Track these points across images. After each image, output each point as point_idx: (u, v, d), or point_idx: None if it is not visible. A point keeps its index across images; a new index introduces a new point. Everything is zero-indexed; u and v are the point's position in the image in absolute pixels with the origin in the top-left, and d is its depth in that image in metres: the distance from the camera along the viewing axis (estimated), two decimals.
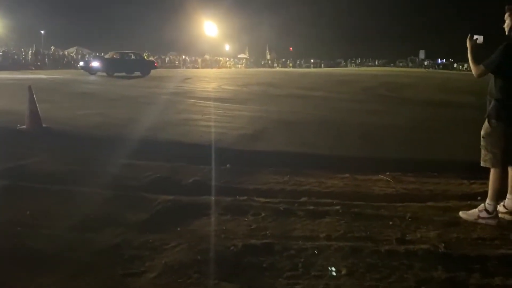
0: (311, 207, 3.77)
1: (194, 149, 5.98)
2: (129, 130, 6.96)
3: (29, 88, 6.77)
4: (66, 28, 50.76)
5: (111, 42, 45.79)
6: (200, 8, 49.10)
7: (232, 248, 2.95)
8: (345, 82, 23.84)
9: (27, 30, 45.32)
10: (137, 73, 24.16)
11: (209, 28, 51.41)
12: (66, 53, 39.48)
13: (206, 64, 49.96)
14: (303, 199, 4.00)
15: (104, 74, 23.19)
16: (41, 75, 22.65)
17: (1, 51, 32.58)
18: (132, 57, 25.48)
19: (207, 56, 52.60)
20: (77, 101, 11.23)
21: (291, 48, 67.37)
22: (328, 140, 7.03)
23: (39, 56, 34.02)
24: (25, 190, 4.07)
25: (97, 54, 32.78)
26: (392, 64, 70.85)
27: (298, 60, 66.84)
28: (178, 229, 3.29)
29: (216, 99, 12.55)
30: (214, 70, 42.77)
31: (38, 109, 6.73)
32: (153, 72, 25.69)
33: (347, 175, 4.88)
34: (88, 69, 24.11)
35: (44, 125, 6.74)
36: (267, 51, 69.44)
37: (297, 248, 2.96)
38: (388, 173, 4.98)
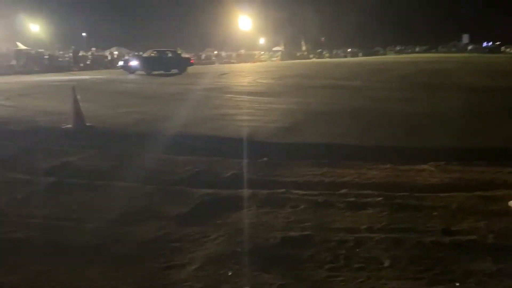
0: (351, 199, 3.70)
1: (231, 143, 6.01)
2: (167, 126, 7.09)
3: (73, 89, 7.03)
4: (105, 29, 52.30)
5: (148, 41, 46.73)
6: (235, 3, 49.25)
7: (271, 240, 2.95)
8: (383, 70, 23.23)
9: (70, 34, 47.09)
10: (174, 71, 24.57)
11: (244, 22, 51.52)
12: (106, 53, 40.72)
13: (241, 59, 50.12)
14: (343, 190, 3.94)
15: (143, 72, 23.71)
16: (84, 76, 23.47)
17: (47, 54, 34.03)
18: (169, 55, 25.91)
19: (242, 51, 52.73)
20: (118, 99, 11.56)
21: (323, 39, 66.30)
22: (366, 130, 6.87)
23: (81, 58, 35.28)
24: (71, 186, 4.23)
25: (136, 53, 33.50)
26: (433, 50, 68.14)
27: (334, 50, 65.75)
28: (218, 222, 3.32)
29: (251, 93, 12.56)
30: (249, 64, 42.84)
31: (82, 108, 6.98)
32: (189, 68, 26.02)
33: (388, 165, 4.75)
34: (127, 68, 24.72)
35: (87, 124, 6.99)
36: (302, 42, 68.74)
37: (338, 240, 2.92)
38: (431, 162, 4.80)
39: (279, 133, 6.67)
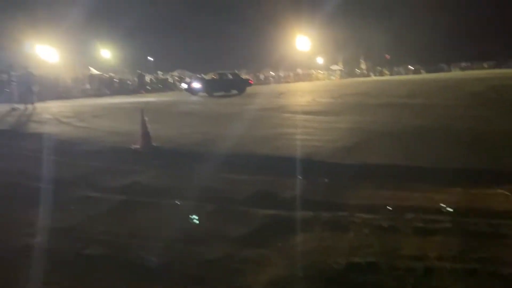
0: (419, 224, 3.54)
1: (291, 162, 5.99)
2: (228, 145, 7.24)
3: (141, 111, 7.42)
4: (170, 54, 54.95)
5: (209, 63, 48.42)
6: (293, 23, 49.78)
7: (334, 266, 2.88)
8: (448, 87, 22.23)
9: (137, 58, 49.93)
10: (234, 91, 25.23)
11: (302, 42, 51.81)
12: (170, 76, 42.63)
13: (299, 78, 50.30)
14: (409, 215, 3.77)
15: (205, 94, 24.54)
16: (150, 98, 24.71)
17: (117, 78, 36.31)
18: (230, 76, 26.75)
19: (299, 70, 52.95)
20: (182, 120, 12.02)
21: (387, 56, 64.74)
22: (433, 150, 6.57)
23: (147, 81, 37.23)
24: (139, 204, 4.43)
25: (198, 75, 34.77)
26: (503, 66, 64.14)
27: (395, 68, 64.05)
28: (279, 244, 3.30)
29: (310, 112, 12.53)
30: (307, 83, 42.86)
31: (149, 129, 7.33)
32: (248, 89, 26.54)
33: (458, 188, 4.49)
34: (190, 90, 25.76)
35: (154, 144, 7.32)
36: (361, 60, 67.71)
37: (405, 268, 2.79)
38: (506, 186, 4.48)
39: (339, 153, 6.56)
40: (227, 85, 25.67)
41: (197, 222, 3.02)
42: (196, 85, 25.36)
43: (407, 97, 16.90)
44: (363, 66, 66.25)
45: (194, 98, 23.62)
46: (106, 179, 5.46)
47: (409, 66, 64.24)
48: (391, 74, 60.95)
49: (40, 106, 18.45)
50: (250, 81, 29.43)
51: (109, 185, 5.13)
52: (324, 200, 4.35)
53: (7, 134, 9.81)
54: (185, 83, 28.81)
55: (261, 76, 48.31)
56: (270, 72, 50.55)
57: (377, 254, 3.02)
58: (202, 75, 31.84)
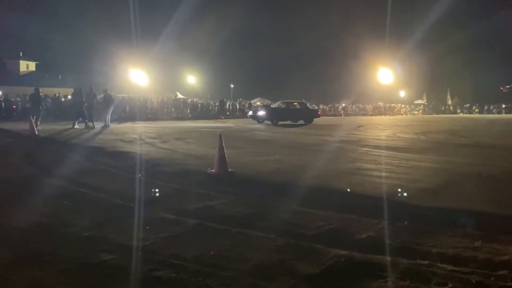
0: None
1: (368, 201, 5.72)
2: (303, 177, 7.11)
3: (220, 136, 7.60)
4: (252, 81, 56.72)
5: (291, 92, 49.10)
6: (374, 56, 48.97)
7: None
8: None
9: (219, 85, 52.16)
10: (301, 122, 25.15)
11: (384, 75, 50.59)
12: (251, 103, 43.79)
13: (379, 111, 48.92)
14: (502, 272, 3.35)
15: (269, 122, 24.68)
16: (229, 123, 25.46)
17: (200, 103, 38.10)
18: (297, 106, 26.81)
19: (380, 103, 51.55)
20: (258, 147, 12.14)
21: (504, 88, 60.25)
22: None
23: (227, 107, 38.56)
24: (211, 230, 4.45)
25: (265, 104, 35.37)
26: None
27: (485, 105, 59.80)
28: None
29: (390, 148, 12.00)
30: (387, 117, 41.50)
31: (225, 154, 7.47)
32: (326, 119, 26.32)
33: None
34: (255, 118, 26.15)
35: (229, 170, 7.42)
36: (448, 96, 64.29)
37: None
38: None
39: (421, 194, 6.14)
40: (294, 115, 25.72)
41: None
42: (261, 113, 25.69)
43: (498, 138, 15.58)
44: (449, 101, 62.87)
45: (260, 125, 23.82)
46: (181, 202, 5.60)
47: (503, 105, 59.60)
48: (480, 112, 57.01)
49: (128, 126, 19.78)
50: (318, 112, 29.21)
51: (183, 208, 5.24)
52: (403, 245, 4.03)
53: (96, 151, 10.58)
54: (252, 110, 29.15)
55: (339, 107, 47.76)
56: (349, 104, 49.84)
57: None
58: (271, 104, 32.20)
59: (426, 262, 3.56)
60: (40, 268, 3.37)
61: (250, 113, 28.19)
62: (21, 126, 16.35)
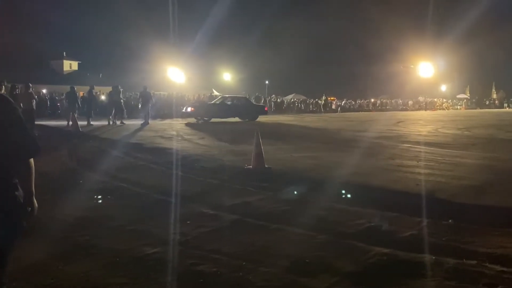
0: None
1: (409, 198, 5.56)
2: (341, 174, 7.00)
3: (257, 133, 7.61)
4: (286, 77, 56.46)
5: (325, 87, 48.54)
6: (414, 48, 47.49)
7: None
8: None
9: (255, 81, 52.23)
10: (240, 119, 22.37)
11: (424, 68, 49.02)
12: (285, 99, 43.63)
13: (419, 106, 47.49)
14: None
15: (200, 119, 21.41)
16: (263, 119, 25.40)
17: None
18: (236, 101, 23.45)
19: (421, 98, 50.01)
20: (292, 143, 12.07)
21: None
22: None
23: (262, 103, 38.59)
24: (249, 226, 4.48)
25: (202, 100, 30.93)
26: None
27: None
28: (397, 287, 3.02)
29: (432, 144, 11.62)
30: (428, 112, 40.24)
31: (262, 150, 7.47)
32: (362, 115, 25.69)
33: None
34: (188, 114, 22.07)
35: (266, 166, 7.42)
36: (493, 90, 61.52)
37: None
38: None
39: (466, 192, 5.91)
40: (230, 111, 22.24)
41: None
42: (190, 109, 21.88)
43: None
44: (494, 95, 60.20)
45: (300, 122, 23.52)
46: (220, 197, 5.65)
47: None
48: None
49: (166, 123, 20.16)
50: (265, 109, 25.59)
51: (222, 203, 5.29)
52: (448, 244, 3.91)
53: (136, 148, 10.85)
54: (187, 107, 23.16)
55: (377, 102, 46.74)
56: (388, 99, 48.66)
57: None
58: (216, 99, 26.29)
59: (473, 261, 3.43)
60: (87, 260, 3.49)
61: (187, 109, 22.58)
62: (65, 123, 17.01)
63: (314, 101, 42.22)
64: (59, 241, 3.88)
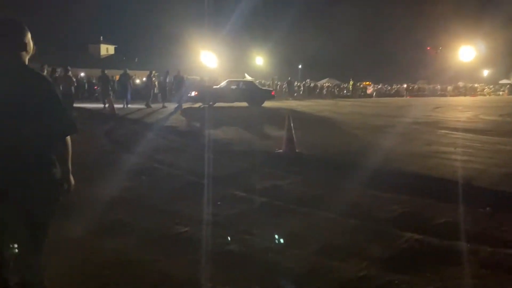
0: None
1: (445, 185, 5.39)
2: (375, 159, 6.86)
3: (288, 117, 7.56)
4: (320, 62, 55.58)
5: (359, 72, 47.51)
6: (455, 32, 45.59)
7: None
8: None
9: (287, 65, 51.75)
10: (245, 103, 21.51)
11: (465, 52, 47.05)
12: (318, 84, 43.08)
13: (458, 92, 45.78)
14: None
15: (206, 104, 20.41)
16: (296, 104, 25.22)
17: (267, 84, 38.16)
18: (241, 85, 22.54)
19: (460, 83, 48.15)
20: (324, 128, 11.93)
21: None
22: None
23: (295, 88, 38.24)
24: (279, 209, 4.48)
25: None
26: None
27: None
28: (427, 275, 2.96)
29: (471, 130, 11.19)
30: (468, 98, 38.74)
31: (294, 135, 7.43)
32: (400, 100, 24.98)
33: None
34: (190, 99, 20.78)
35: (297, 150, 7.38)
36: None
37: None
38: None
39: (505, 180, 5.66)
40: (234, 96, 21.34)
41: None
42: (193, 93, 20.43)
43: None
44: None
45: (334, 107, 23.19)
46: (250, 180, 5.69)
47: None
48: None
49: (199, 107, 20.31)
50: (272, 93, 24.05)
51: (252, 186, 5.31)
52: (485, 233, 3.78)
53: (170, 131, 11.02)
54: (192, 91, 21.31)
55: (415, 87, 45.40)
56: (426, 84, 47.15)
57: None
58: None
59: (510, 251, 3.31)
60: (122, 238, 3.61)
61: (192, 94, 20.86)
62: (101, 106, 17.46)
63: (348, 85, 41.50)
64: (95, 219, 4.01)
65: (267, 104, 21.28)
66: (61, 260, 2.99)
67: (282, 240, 3.61)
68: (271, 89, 25.64)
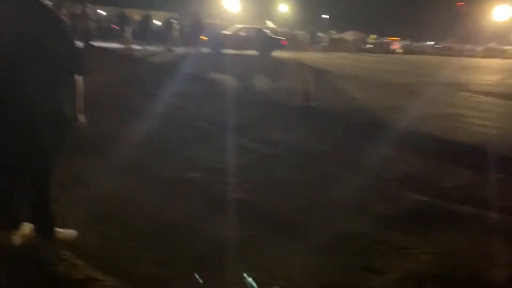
0: None
1: (462, 149, 5.28)
2: (391, 118, 6.73)
3: (305, 70, 7.40)
4: (346, 14, 53.44)
5: (391, 27, 45.74)
6: None
7: (486, 276, 2.46)
8: None
9: (312, 15, 49.95)
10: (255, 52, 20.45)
11: (500, 12, 44.59)
12: (343, 36, 41.70)
13: (488, 54, 43.88)
14: None
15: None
16: (316, 56, 24.58)
17: (290, 33, 37.12)
18: (250, 33, 21.40)
19: (491, 44, 46.02)
20: (344, 83, 11.67)
21: None
22: None
23: (319, 39, 37.14)
24: (287, 161, 4.51)
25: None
26: None
27: None
28: (428, 236, 2.96)
29: (495, 94, 10.81)
30: (498, 60, 37.15)
31: (310, 88, 7.29)
32: (423, 59, 24.13)
33: None
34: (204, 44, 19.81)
35: (312, 104, 7.27)
36: None
37: None
38: None
39: None
40: (243, 43, 20.46)
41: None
42: (205, 38, 19.44)
43: None
44: None
45: (353, 61, 22.51)
46: (261, 131, 5.66)
47: None
48: None
49: (218, 53, 19.95)
50: (282, 42, 22.55)
51: (262, 137, 5.31)
52: (493, 198, 3.72)
53: (189, 77, 10.90)
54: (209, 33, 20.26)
55: (441, 45, 43.69)
56: (455, 43, 45.27)
57: None
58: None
59: None
60: (128, 178, 3.67)
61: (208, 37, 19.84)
62: (118, 46, 17.26)
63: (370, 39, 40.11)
64: (104, 159, 4.05)
65: (284, 54, 20.74)
66: (67, 196, 3.07)
67: (285, 192, 3.63)
68: (282, 38, 23.81)
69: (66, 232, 2.50)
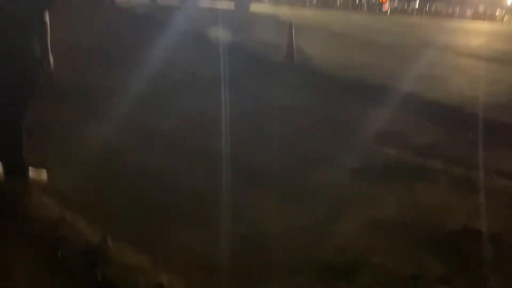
0: None
1: (437, 107, 5.40)
2: (370, 74, 6.75)
3: (290, 25, 7.28)
4: None
5: None
6: None
7: (447, 227, 2.60)
8: None
9: None
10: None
11: None
12: None
13: (477, 17, 43.58)
14: None
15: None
16: (304, 12, 24.04)
17: None
18: None
19: (481, 7, 45.62)
20: (331, 41, 11.50)
21: None
22: None
23: None
24: (265, 115, 4.57)
25: None
26: None
27: None
28: (393, 186, 3.09)
29: (477, 57, 10.87)
30: (486, 24, 37.01)
31: (294, 45, 7.21)
32: (410, 20, 23.77)
33: None
34: None
35: (296, 60, 7.22)
36: None
37: None
38: None
39: (497, 108, 5.63)
40: None
41: None
42: None
43: None
44: None
45: (357, 17, 22.16)
46: (245, 85, 5.63)
47: None
48: None
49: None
50: None
51: (245, 91, 5.34)
52: (462, 156, 3.87)
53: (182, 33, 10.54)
54: None
55: (433, 8, 43.16)
56: (443, 6, 44.70)
57: (502, 227, 2.62)
58: None
59: (481, 174, 3.42)
60: (110, 127, 3.67)
61: None
62: None
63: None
64: (80, 106, 4.03)
65: (270, 10, 20.19)
66: (42, 139, 3.08)
67: (259, 143, 3.70)
68: None
69: (38, 171, 2.54)
